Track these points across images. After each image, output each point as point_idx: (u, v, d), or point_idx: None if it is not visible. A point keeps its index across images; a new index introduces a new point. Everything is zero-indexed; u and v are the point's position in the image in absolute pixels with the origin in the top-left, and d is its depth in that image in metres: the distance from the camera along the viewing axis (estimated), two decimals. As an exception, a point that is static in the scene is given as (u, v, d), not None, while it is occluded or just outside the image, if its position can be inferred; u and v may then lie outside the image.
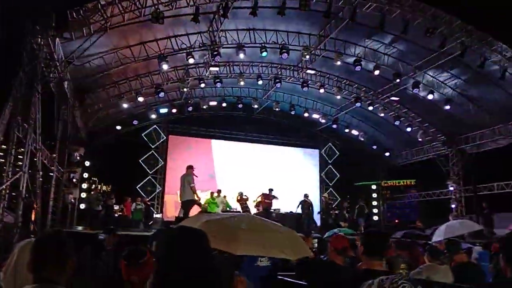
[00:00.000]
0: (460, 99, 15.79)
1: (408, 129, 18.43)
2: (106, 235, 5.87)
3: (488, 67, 13.24)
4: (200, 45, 14.01)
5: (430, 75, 15.29)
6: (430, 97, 15.54)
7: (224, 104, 19.43)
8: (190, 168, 11.09)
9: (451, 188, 18.17)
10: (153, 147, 19.79)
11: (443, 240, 8.26)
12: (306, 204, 15.94)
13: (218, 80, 16.02)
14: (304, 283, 4.21)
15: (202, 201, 15.84)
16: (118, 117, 17.85)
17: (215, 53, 13.65)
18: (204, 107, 18.88)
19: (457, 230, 9.10)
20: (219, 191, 15.96)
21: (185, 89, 16.75)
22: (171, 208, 18.95)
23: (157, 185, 19.59)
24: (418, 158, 20.20)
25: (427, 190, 20.34)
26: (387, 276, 1.97)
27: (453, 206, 17.83)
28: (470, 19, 12.78)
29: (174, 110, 18.74)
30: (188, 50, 13.88)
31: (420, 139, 18.30)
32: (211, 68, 15.50)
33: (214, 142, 21.14)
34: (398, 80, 15.18)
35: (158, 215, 17.45)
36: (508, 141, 15.90)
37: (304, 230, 13.63)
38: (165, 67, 13.87)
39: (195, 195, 10.79)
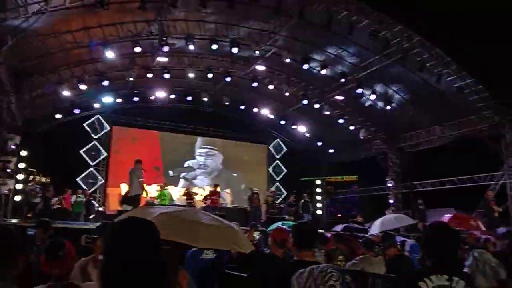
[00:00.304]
0: (400, 101, 16.68)
1: (352, 127, 19.16)
2: (37, 229, 5.51)
3: (426, 71, 14.08)
4: (148, 34, 13.62)
5: (373, 77, 15.96)
6: (372, 97, 16.27)
7: (172, 96, 19.05)
8: (138, 162, 10.97)
9: (390, 185, 19.18)
10: (95, 137, 18.96)
11: (379, 233, 8.74)
12: (253, 198, 16.18)
13: (166, 71, 15.67)
14: (245, 275, 4.26)
15: (154, 195, 15.61)
16: (58, 105, 16.89)
17: (163, 43, 13.34)
18: (151, 97, 18.39)
19: (392, 224, 9.64)
20: (164, 184, 15.76)
21: (131, 79, 16.19)
22: (114, 201, 18.32)
23: (99, 177, 18.84)
24: (359, 155, 21.08)
25: (368, 186, 21.30)
26: (318, 265, 2.06)
27: (391, 201, 18.84)
28: (411, 24, 13.53)
29: (119, 100, 18.07)
30: (134, 39, 13.44)
31: (362, 137, 19.09)
32: (159, 58, 15.13)
33: (161, 135, 20.70)
34: (343, 80, 15.70)
35: (100, 208, 16.84)
36: (442, 142, 17.05)
37: (250, 223, 13.81)
38: (109, 55, 13.32)
39: (144, 191, 10.62)
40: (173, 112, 20.21)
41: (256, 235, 7.30)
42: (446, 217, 11.03)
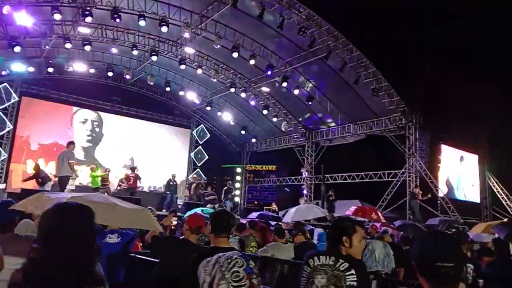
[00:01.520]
0: (320, 97, 17.56)
1: (274, 119, 19.75)
2: None
3: (346, 71, 14.97)
4: (70, 0, 12.63)
5: (298, 72, 16.57)
6: (296, 92, 16.90)
7: (92, 70, 17.92)
8: (71, 143, 11.03)
9: (304, 175, 20.19)
10: (0, 107, 17.20)
11: (291, 221, 9.23)
12: (171, 183, 16.01)
13: (87, 42, 14.68)
14: (155, 259, 4.26)
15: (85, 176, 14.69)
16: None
17: (87, 12, 12.46)
18: (68, 69, 17.12)
19: (304, 215, 10.24)
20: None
21: (47, 47, 14.90)
22: (17, 178, 16.89)
23: (2, 152, 17.18)
24: (279, 146, 21.85)
25: (285, 176, 22.18)
26: (224, 253, 2.17)
27: (304, 191, 19.87)
28: (338, 23, 14.28)
29: (31, 69, 16.52)
30: (54, 4, 12.37)
31: (283, 129, 19.78)
32: (80, 29, 14.12)
33: (76, 110, 19.43)
34: (269, 72, 16.07)
35: (1, 185, 15.40)
36: (354, 139, 18.34)
37: (166, 208, 13.71)
38: (23, 18, 12.10)
39: (74, 171, 10.46)
40: (91, 87, 19.01)
41: (174, 220, 7.29)
42: (351, 209, 11.93)
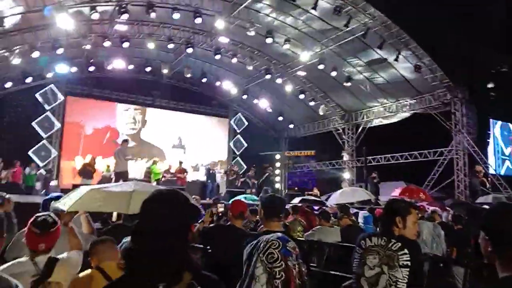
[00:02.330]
0: (358, 77, 17.11)
1: (312, 103, 19.49)
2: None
3: (385, 48, 14.46)
4: (106, 0, 12.98)
5: (334, 52, 16.19)
6: (333, 74, 16.55)
7: (130, 66, 18.41)
8: (125, 141, 12.33)
9: (345, 159, 19.88)
10: (48, 108, 18.07)
11: (335, 204, 9.15)
12: (211, 172, 16.36)
13: (125, 39, 15.07)
14: (207, 248, 4.36)
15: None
16: (7, 74, 15.89)
17: (123, 10, 12.77)
18: (108, 67, 17.69)
19: (349, 198, 10.12)
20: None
21: (87, 47, 15.45)
22: (68, 175, 17.80)
23: (52, 150, 18.11)
24: (318, 130, 21.59)
25: (325, 160, 21.93)
26: (266, 236, 2.19)
27: (346, 175, 19.58)
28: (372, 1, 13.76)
29: (73, 69, 17.20)
30: (92, 4, 12.76)
31: (321, 113, 19.51)
32: (117, 27, 14.50)
33: (119, 106, 20.12)
34: (305, 57, 15.81)
35: (54, 182, 16.28)
36: (397, 118, 17.78)
37: (209, 197, 14.04)
38: (64, 20, 12.57)
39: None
40: (132, 82, 19.57)
41: (220, 207, 7.44)
42: (397, 190, 11.65)
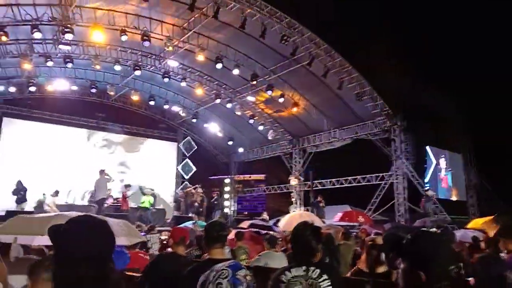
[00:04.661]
0: (305, 104, 17.69)
1: (260, 128, 19.79)
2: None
3: (329, 77, 15.13)
4: (50, 19, 12.53)
5: (282, 79, 16.66)
6: (281, 100, 16.98)
7: (74, 88, 17.75)
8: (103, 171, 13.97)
9: (293, 183, 20.22)
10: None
11: (282, 230, 9.23)
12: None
13: (69, 60, 14.57)
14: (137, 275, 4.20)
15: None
16: None
17: (67, 30, 12.38)
18: (50, 88, 16.92)
19: (295, 223, 10.23)
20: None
21: (27, 66, 14.72)
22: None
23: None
24: (267, 155, 21.87)
25: (274, 184, 22.17)
26: (216, 265, 2.17)
27: (293, 199, 19.88)
28: (319, 31, 14.46)
29: (12, 89, 16.28)
30: (34, 23, 12.27)
31: (270, 137, 19.83)
32: (61, 46, 13.99)
33: (60, 129, 19.13)
34: (254, 82, 16.14)
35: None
36: (341, 144, 18.47)
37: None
38: (3, 38, 11.97)
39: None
40: (75, 104, 18.79)
41: (164, 235, 7.24)
42: (338, 215, 11.97)
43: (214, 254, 2.70)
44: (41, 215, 4.35)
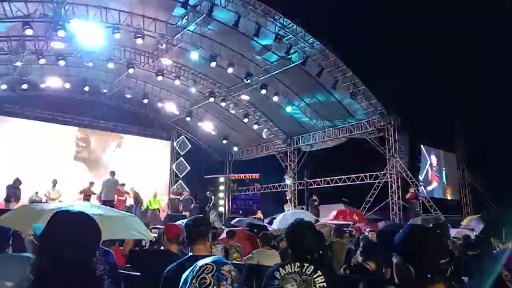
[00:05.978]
0: (300, 103, 17.67)
1: (255, 127, 19.74)
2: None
3: (324, 76, 15.11)
4: (42, 15, 12.39)
5: (277, 79, 16.62)
6: (275, 99, 16.94)
7: (67, 85, 17.57)
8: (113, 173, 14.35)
9: (288, 182, 20.20)
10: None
11: (277, 228, 9.21)
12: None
13: (61, 57, 14.43)
14: (136, 273, 4.14)
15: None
16: None
17: (59, 27, 12.25)
18: (43, 86, 16.76)
19: (289, 221, 10.21)
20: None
21: (19, 63, 14.56)
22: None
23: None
24: (262, 154, 21.84)
25: (269, 183, 22.15)
26: (201, 260, 2.12)
27: (288, 198, 19.87)
28: (313, 30, 14.45)
29: (3, 87, 16.08)
30: (25, 20, 12.13)
31: (264, 136, 19.79)
32: (53, 44, 13.85)
33: (52, 127, 18.95)
34: (249, 80, 16.09)
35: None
36: (335, 143, 18.48)
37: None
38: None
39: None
40: (68, 102, 18.62)
41: (154, 233, 7.19)
42: (332, 214, 11.98)
43: (197, 251, 2.64)
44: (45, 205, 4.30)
